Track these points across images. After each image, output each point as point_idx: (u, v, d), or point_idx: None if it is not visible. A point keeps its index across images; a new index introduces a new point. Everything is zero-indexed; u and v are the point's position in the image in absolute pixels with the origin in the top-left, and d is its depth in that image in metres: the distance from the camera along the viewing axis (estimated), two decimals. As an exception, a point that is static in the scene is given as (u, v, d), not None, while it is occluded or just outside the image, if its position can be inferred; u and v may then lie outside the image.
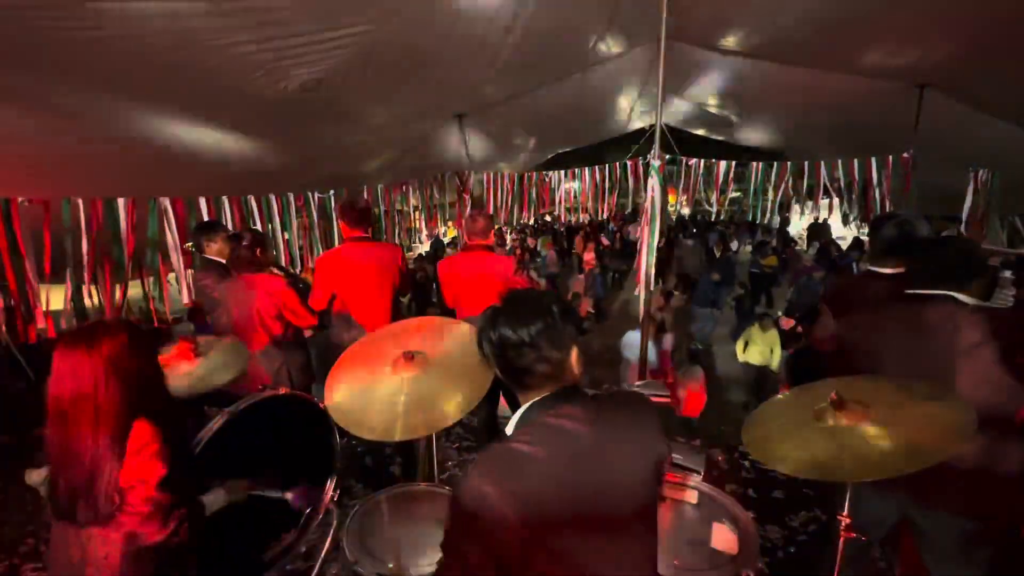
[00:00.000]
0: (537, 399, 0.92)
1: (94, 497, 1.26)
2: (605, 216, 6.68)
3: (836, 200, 5.38)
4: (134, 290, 3.56)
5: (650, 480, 0.94)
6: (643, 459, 0.93)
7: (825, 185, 5.22)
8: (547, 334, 0.89)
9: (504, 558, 0.81)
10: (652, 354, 4.14)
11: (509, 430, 0.94)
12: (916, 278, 1.67)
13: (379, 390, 1.55)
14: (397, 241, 6.29)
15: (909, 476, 1.54)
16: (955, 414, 1.18)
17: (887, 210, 4.50)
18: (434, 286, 9.02)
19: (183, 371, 1.80)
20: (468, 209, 6.33)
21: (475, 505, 0.81)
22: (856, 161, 4.89)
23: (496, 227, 10.79)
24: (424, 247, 9.78)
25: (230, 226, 3.60)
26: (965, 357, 1.48)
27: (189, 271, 3.55)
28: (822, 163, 5.16)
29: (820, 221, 11.22)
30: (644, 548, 0.95)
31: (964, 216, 4.37)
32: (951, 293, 1.56)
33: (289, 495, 1.67)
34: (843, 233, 12.63)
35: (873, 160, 4.76)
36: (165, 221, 3.38)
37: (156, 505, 1.29)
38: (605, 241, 10.30)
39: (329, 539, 2.12)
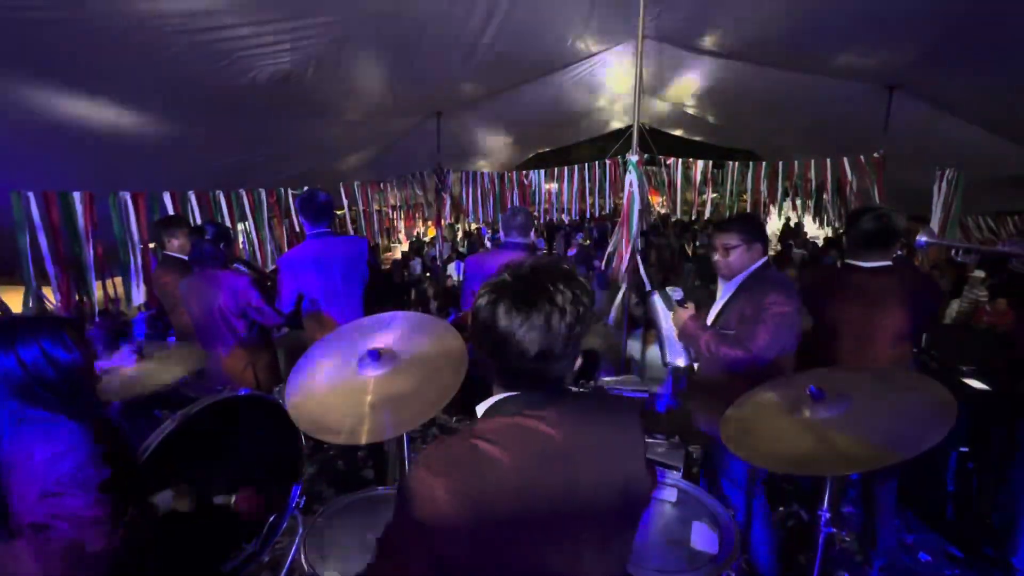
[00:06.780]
0: (515, 393, 0.81)
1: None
2: (585, 215, 6.67)
3: (810, 201, 5.47)
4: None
5: (619, 493, 0.83)
6: (614, 472, 0.83)
7: (798, 185, 5.30)
8: (547, 330, 0.74)
9: (449, 568, 0.72)
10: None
11: (480, 411, 0.85)
12: None
13: (344, 390, 1.47)
14: (376, 240, 6.16)
15: None
16: (935, 402, 1.17)
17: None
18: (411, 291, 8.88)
19: (124, 373, 1.69)
20: (447, 208, 6.25)
21: (422, 506, 0.71)
22: (829, 161, 4.98)
23: (476, 227, 10.71)
24: (403, 246, 9.59)
25: (198, 222, 3.45)
26: None
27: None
28: (796, 163, 5.24)
29: (795, 222, 11.39)
30: (610, 563, 0.86)
31: (933, 215, 4.47)
32: None
33: (234, 499, 1.57)
34: (817, 234, 12.90)
35: (846, 160, 4.85)
36: (125, 217, 3.22)
37: (101, 509, 1.19)
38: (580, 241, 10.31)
39: (295, 548, 2.02)
